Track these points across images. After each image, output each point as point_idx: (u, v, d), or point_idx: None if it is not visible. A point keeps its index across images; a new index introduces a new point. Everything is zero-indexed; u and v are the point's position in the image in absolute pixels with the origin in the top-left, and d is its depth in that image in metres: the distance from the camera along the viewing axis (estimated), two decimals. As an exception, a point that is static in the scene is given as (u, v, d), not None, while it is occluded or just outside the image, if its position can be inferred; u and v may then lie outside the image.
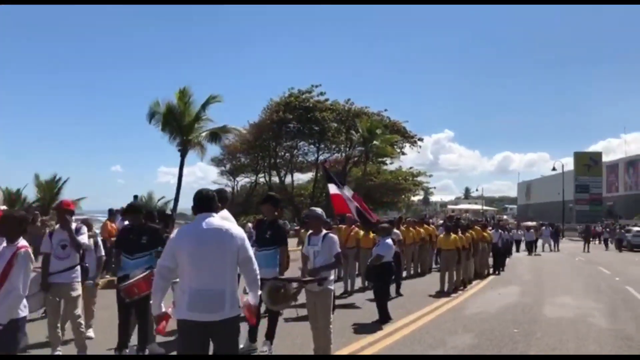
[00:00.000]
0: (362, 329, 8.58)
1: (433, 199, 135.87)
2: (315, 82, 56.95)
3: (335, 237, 6.47)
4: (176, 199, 21.84)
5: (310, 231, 6.55)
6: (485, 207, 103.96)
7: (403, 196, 64.32)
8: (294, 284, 5.84)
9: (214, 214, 4.30)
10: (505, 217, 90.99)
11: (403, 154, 56.68)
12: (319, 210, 6.64)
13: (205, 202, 4.33)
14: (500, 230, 21.40)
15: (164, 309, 4.13)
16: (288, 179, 56.70)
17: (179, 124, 21.11)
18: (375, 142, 44.48)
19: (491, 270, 18.97)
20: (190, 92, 21.49)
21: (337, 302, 10.98)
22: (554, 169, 63.18)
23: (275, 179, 57.07)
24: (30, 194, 35.24)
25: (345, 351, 7.17)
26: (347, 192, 11.38)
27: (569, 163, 71.86)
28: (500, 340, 8.00)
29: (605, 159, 77.65)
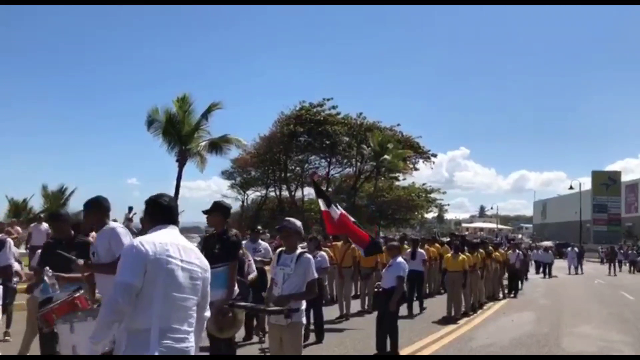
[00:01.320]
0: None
1: (447, 216, 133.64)
2: (327, 95, 56.00)
3: (311, 258, 5.25)
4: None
5: (282, 248, 5.37)
6: (500, 226, 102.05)
7: (416, 213, 62.99)
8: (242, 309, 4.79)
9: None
10: (520, 236, 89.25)
11: (416, 169, 55.66)
12: (297, 222, 5.41)
13: (174, 211, 3.36)
14: (518, 251, 20.15)
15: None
16: (299, 194, 55.65)
17: (178, 132, 20.19)
18: (386, 156, 43.38)
19: (506, 291, 17.73)
20: (190, 99, 20.63)
21: (332, 326, 9.85)
22: (571, 187, 61.74)
23: (286, 193, 56.11)
24: (36, 204, 34.75)
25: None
26: (334, 213, 10.17)
27: (586, 182, 70.14)
28: (513, 381, 6.81)
29: (624, 178, 75.70)
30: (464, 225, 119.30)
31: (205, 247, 5.85)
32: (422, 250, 13.91)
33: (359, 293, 13.25)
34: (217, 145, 21.42)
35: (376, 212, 56.36)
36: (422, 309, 13.05)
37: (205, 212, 5.90)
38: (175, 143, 20.39)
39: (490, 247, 17.26)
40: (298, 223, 5.36)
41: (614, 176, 74.58)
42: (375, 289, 8.47)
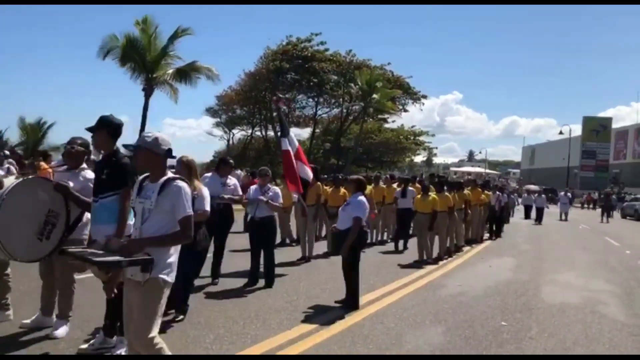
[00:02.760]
0: (306, 315, 6.40)
1: (436, 160, 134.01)
2: (315, 30, 53.86)
3: (183, 187, 3.55)
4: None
5: (145, 175, 3.71)
6: (488, 171, 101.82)
7: (404, 156, 61.99)
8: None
9: None
10: (508, 180, 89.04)
11: (405, 110, 54.31)
12: (156, 135, 3.63)
13: None
14: (498, 193, 19.14)
15: None
16: (286, 134, 54.10)
17: (142, 59, 18.54)
18: (374, 96, 41.90)
19: (487, 235, 16.90)
20: (154, 22, 18.83)
21: (290, 269, 8.81)
22: (560, 132, 60.75)
23: (272, 133, 54.71)
24: (13, 136, 33.26)
25: (252, 350, 5.00)
26: (292, 146, 8.88)
27: (576, 130, 69.16)
28: (481, 339, 5.81)
29: (615, 125, 74.71)
30: (452, 169, 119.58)
31: (95, 174, 4.68)
32: (412, 188, 13.20)
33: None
34: (186, 74, 19.73)
35: (363, 154, 55.36)
36: (405, 248, 12.70)
37: (88, 129, 4.65)
38: (139, 70, 18.79)
39: (479, 189, 16.32)
40: (157, 136, 3.63)
41: (605, 122, 73.63)
42: (332, 230, 7.40)
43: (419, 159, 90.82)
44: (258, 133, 57.85)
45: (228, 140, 67.89)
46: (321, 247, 11.41)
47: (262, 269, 7.73)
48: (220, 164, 7.82)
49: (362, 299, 7.14)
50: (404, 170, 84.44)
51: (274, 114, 10.80)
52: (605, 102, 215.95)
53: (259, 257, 7.65)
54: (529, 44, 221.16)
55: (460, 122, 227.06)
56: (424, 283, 8.71)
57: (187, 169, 5.63)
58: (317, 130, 54.97)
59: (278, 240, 12.13)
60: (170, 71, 18.06)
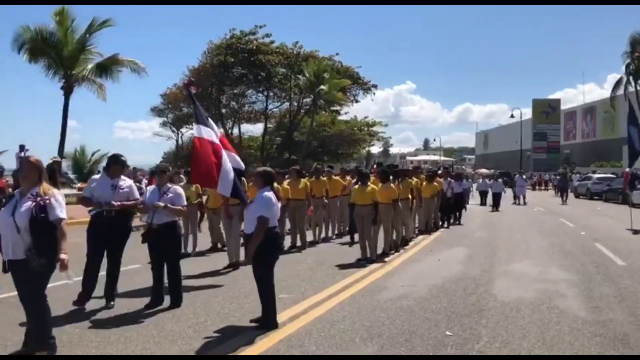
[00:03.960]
0: (207, 343, 5.24)
1: (393, 150, 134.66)
2: (259, 22, 52.43)
3: None
4: (60, 152, 17.59)
5: None
6: (443, 158, 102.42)
7: (358, 147, 61.33)
8: None
9: None
10: (463, 167, 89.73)
11: (356, 101, 53.55)
12: None
13: None
14: (450, 179, 18.36)
15: None
16: (237, 131, 52.75)
17: (58, 54, 16.87)
18: (322, 87, 40.86)
19: (439, 224, 16.11)
20: (71, 14, 17.13)
21: (212, 281, 7.60)
22: (512, 116, 61.08)
23: (222, 130, 53.03)
24: None
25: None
26: (207, 134, 7.53)
27: (527, 114, 69.80)
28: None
29: (564, 107, 75.79)
30: (408, 158, 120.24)
31: None
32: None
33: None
34: (106, 68, 18.07)
35: (318, 147, 54.37)
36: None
37: None
38: (56, 67, 17.12)
39: (422, 176, 15.46)
40: None
41: (554, 104, 74.58)
42: (240, 234, 6.27)
43: (375, 149, 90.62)
44: (208, 131, 55.95)
45: (177, 140, 66.01)
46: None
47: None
48: (110, 162, 6.57)
49: (286, 313, 6.06)
50: (362, 161, 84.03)
51: (190, 105, 9.06)
52: (553, 85, 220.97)
53: (161, 272, 6.44)
54: (478, 31, 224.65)
55: (415, 112, 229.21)
56: (363, 286, 7.64)
57: (36, 171, 4.43)
58: (270, 126, 53.76)
59: (207, 245, 11.01)
60: (90, 66, 16.50)
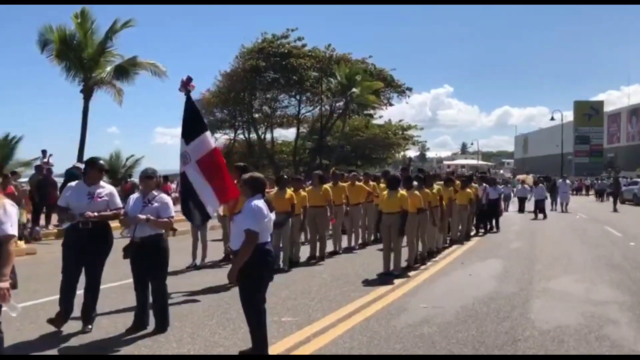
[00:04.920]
0: None
1: (430, 154, 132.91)
2: (291, 25, 51.75)
3: None
4: (80, 156, 17.18)
5: None
6: (481, 162, 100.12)
7: (393, 151, 60.11)
8: None
9: None
10: (501, 171, 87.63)
11: (390, 104, 52.36)
12: None
13: None
14: (485, 185, 17.23)
15: None
16: (269, 136, 52.23)
17: (78, 56, 16.50)
18: (354, 89, 39.91)
19: (473, 232, 15.12)
20: (92, 16, 16.74)
21: (211, 299, 6.80)
22: (552, 118, 58.89)
23: (254, 136, 52.64)
24: None
25: None
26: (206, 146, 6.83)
27: (568, 116, 67.37)
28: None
29: (607, 109, 73.01)
30: (445, 162, 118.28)
31: None
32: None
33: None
34: (125, 70, 17.58)
35: (351, 152, 53.44)
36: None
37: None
38: (76, 70, 16.74)
39: (458, 182, 14.42)
40: None
41: (597, 106, 71.99)
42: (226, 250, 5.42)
43: (411, 154, 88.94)
44: (241, 136, 55.80)
45: (210, 146, 65.91)
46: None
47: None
48: (87, 167, 5.83)
49: (284, 343, 5.22)
50: (398, 166, 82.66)
51: (185, 114, 8.11)
52: (596, 87, 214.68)
53: (145, 292, 5.66)
54: (518, 32, 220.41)
55: (453, 115, 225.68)
56: (380, 307, 6.73)
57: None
58: (303, 130, 53.10)
59: (220, 256, 10.26)
60: (109, 69, 16.07)
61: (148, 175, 5.73)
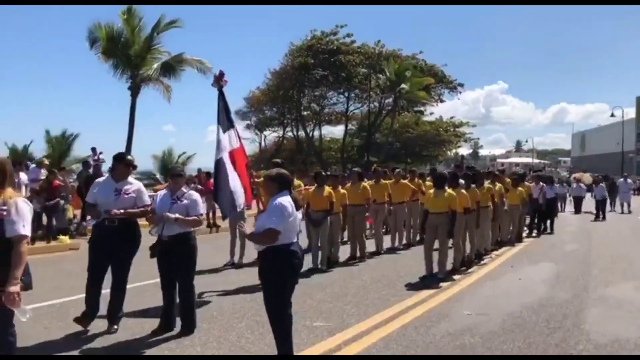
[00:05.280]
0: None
1: (483, 152, 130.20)
2: (340, 22, 51.26)
3: None
4: (127, 153, 17.34)
5: None
6: (536, 160, 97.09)
7: (444, 148, 58.84)
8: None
9: None
10: (557, 170, 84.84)
11: (441, 101, 51.30)
12: None
13: None
14: (541, 184, 16.44)
15: None
16: (318, 133, 52.19)
17: (125, 53, 16.68)
18: (403, 85, 39.24)
19: (526, 233, 14.48)
20: (139, 13, 16.90)
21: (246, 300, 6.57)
22: (612, 115, 56.45)
23: (303, 133, 52.69)
24: (37, 150, 32.59)
25: None
26: (232, 142, 6.78)
27: (629, 113, 64.30)
28: None
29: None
30: (499, 160, 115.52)
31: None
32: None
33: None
34: (171, 67, 17.67)
35: (401, 149, 52.68)
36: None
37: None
38: (124, 67, 16.94)
39: (507, 180, 13.77)
40: None
41: (661, 102, 68.32)
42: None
43: (464, 151, 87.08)
44: (290, 133, 55.95)
45: (260, 143, 66.42)
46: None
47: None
48: (115, 163, 5.69)
49: (313, 350, 4.94)
50: (450, 163, 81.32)
51: (219, 103, 7.92)
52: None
53: (172, 292, 5.47)
54: (575, 27, 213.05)
55: (507, 112, 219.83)
56: (420, 313, 6.33)
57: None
58: (352, 127, 52.76)
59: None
60: (155, 66, 16.18)
61: (177, 173, 5.53)
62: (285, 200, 4.31)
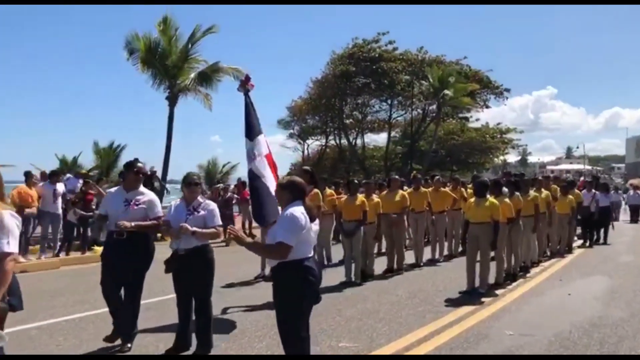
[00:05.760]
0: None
1: (532, 159, 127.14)
2: (382, 29, 50.58)
3: None
4: (165, 163, 17.33)
5: None
6: (588, 167, 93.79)
7: (491, 155, 57.32)
8: None
9: None
10: (611, 176, 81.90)
11: (487, 107, 50.06)
12: None
13: None
14: (594, 191, 15.54)
15: None
16: (360, 141, 51.80)
17: (162, 63, 16.68)
18: (446, 91, 38.36)
19: (578, 243, 13.72)
20: (175, 23, 16.87)
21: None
22: (670, 118, 53.74)
23: (345, 142, 52.40)
24: (86, 161, 33.54)
25: None
26: (258, 150, 6.51)
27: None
28: None
29: None
30: (548, 167, 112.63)
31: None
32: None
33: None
34: (207, 77, 17.53)
35: (446, 156, 51.63)
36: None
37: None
38: (161, 76, 16.95)
39: (554, 187, 13.00)
40: None
41: None
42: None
43: (512, 158, 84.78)
44: (333, 142, 55.75)
45: (303, 151, 66.38)
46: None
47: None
48: (124, 171, 5.42)
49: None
50: (498, 171, 79.55)
51: (246, 109, 7.63)
52: None
53: (189, 309, 5.15)
54: (626, 27, 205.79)
55: (556, 118, 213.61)
56: (457, 333, 5.81)
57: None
58: (396, 135, 52.17)
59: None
60: (192, 75, 16.08)
61: (192, 182, 5.19)
62: (298, 210, 3.91)
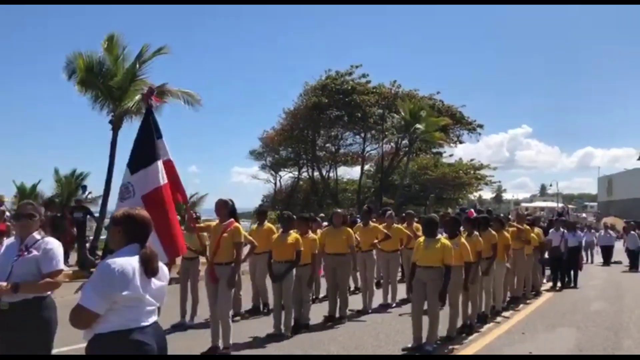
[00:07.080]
0: None
1: (507, 196, 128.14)
2: (355, 62, 50.30)
3: None
4: (105, 194, 15.83)
5: None
6: (561, 205, 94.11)
7: (464, 192, 56.90)
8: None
9: None
10: (584, 215, 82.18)
11: (460, 142, 49.86)
12: None
13: None
14: (563, 230, 14.50)
15: None
16: (333, 174, 51.10)
17: (105, 84, 15.41)
18: (418, 125, 37.73)
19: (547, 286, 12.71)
20: (122, 42, 15.63)
21: None
22: (639, 159, 54.05)
23: (317, 174, 51.62)
24: (46, 189, 31.90)
25: None
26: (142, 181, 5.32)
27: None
28: None
29: None
30: (523, 204, 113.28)
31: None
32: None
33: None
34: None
35: (420, 191, 51.00)
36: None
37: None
38: (104, 99, 15.67)
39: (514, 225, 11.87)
40: None
41: (692, 145, 65.80)
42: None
43: (487, 195, 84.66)
44: (306, 174, 54.88)
45: (275, 184, 65.13)
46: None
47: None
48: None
49: None
50: (473, 207, 78.91)
51: (148, 116, 6.92)
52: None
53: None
54: (601, 71, 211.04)
55: (531, 156, 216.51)
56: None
57: None
58: (370, 169, 51.60)
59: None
60: (137, 97, 14.91)
61: (23, 213, 3.94)
62: (121, 261, 2.70)
